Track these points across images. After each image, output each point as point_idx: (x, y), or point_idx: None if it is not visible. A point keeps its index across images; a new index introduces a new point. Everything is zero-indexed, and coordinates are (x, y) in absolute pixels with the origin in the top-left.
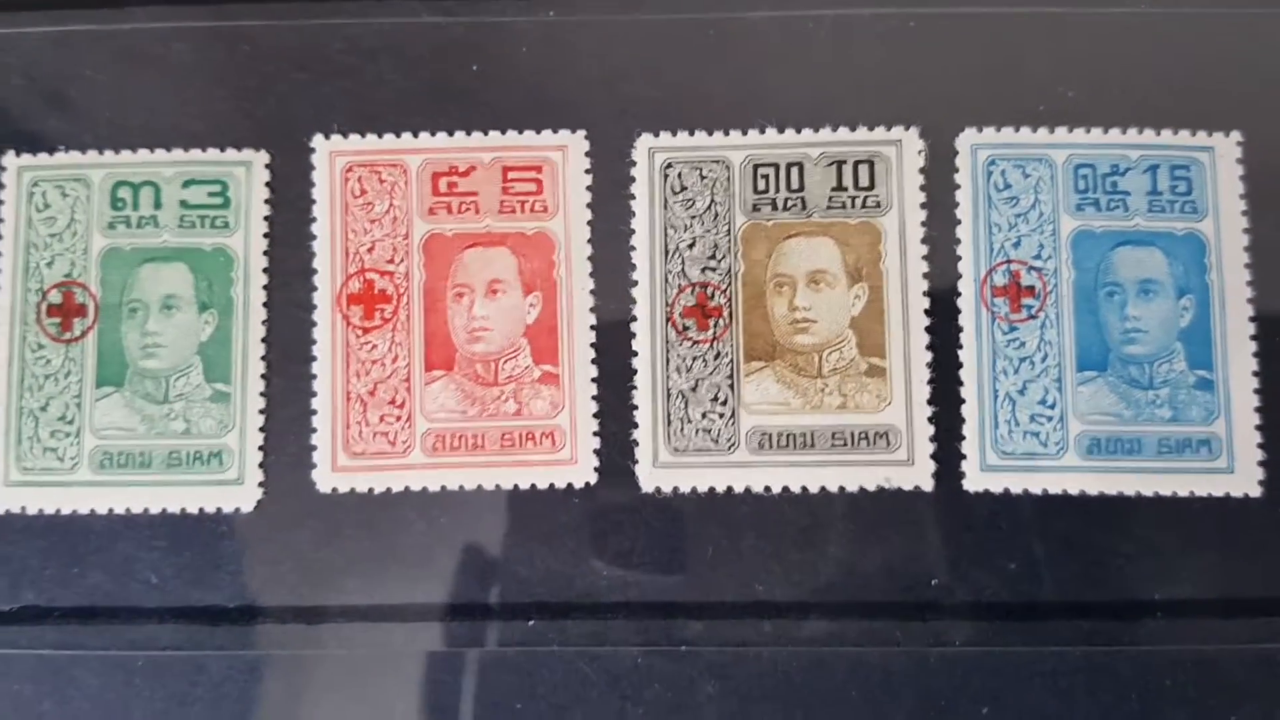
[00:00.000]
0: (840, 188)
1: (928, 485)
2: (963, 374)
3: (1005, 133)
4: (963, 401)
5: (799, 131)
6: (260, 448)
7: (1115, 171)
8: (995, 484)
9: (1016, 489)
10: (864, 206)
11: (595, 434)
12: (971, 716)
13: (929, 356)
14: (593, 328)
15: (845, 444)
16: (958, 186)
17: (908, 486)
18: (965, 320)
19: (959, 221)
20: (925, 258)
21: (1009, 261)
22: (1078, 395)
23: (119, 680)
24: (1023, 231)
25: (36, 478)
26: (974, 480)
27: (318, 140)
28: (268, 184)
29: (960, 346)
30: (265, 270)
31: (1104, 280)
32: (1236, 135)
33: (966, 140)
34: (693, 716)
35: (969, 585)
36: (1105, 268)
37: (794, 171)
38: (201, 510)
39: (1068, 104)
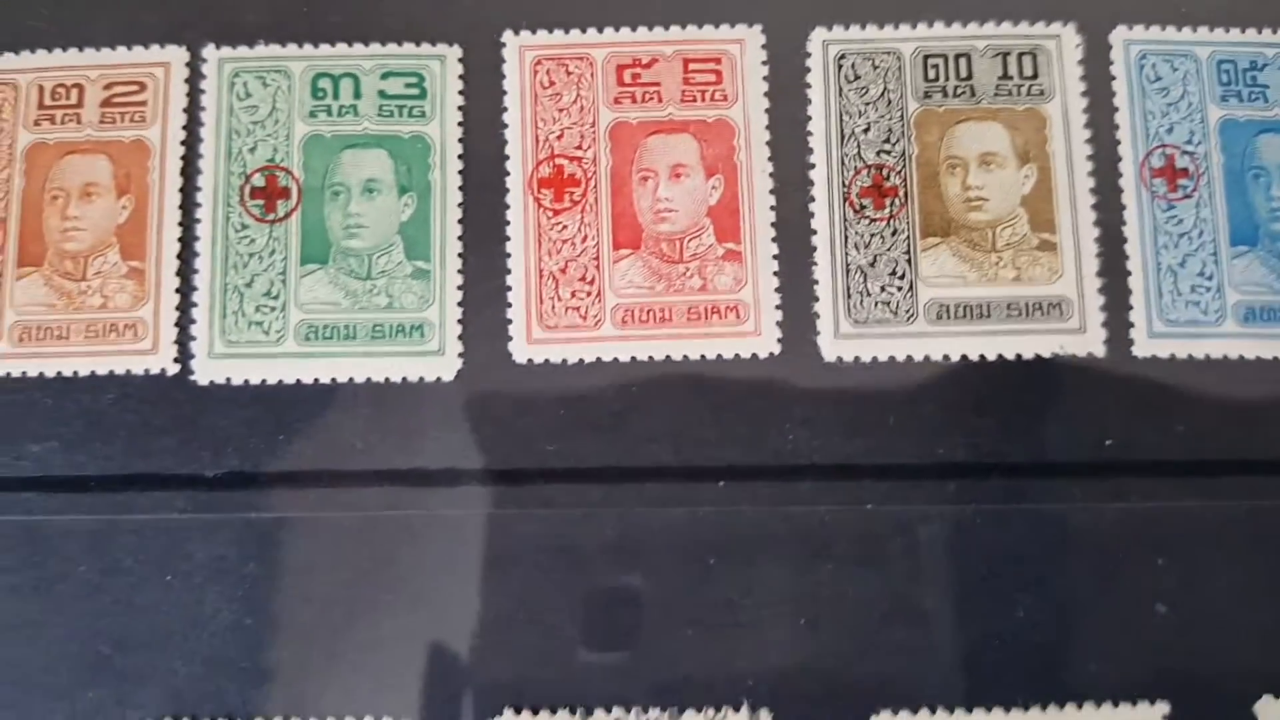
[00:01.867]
0: (1006, 76)
1: (1100, 352)
2: (1127, 249)
3: (1154, 30)
4: (1129, 274)
5: (965, 25)
6: (459, 321)
7: (1254, 67)
8: (1162, 350)
9: (1181, 354)
10: (1029, 94)
11: (777, 308)
12: (1148, 567)
13: (1096, 232)
14: (772, 208)
15: (1020, 314)
16: (1114, 78)
17: (1080, 354)
18: (1127, 200)
19: (1116, 109)
20: (1088, 141)
21: (1163, 146)
22: (1232, 268)
23: (327, 542)
24: (1174, 119)
25: (242, 350)
26: (1142, 347)
27: (508, 36)
28: (461, 77)
29: (1124, 224)
30: (460, 156)
31: (1249, 164)
32: None
33: (1120, 36)
34: (880, 571)
35: (1141, 445)
36: (1250, 153)
37: (962, 61)
38: (404, 379)
39: (1210, 4)
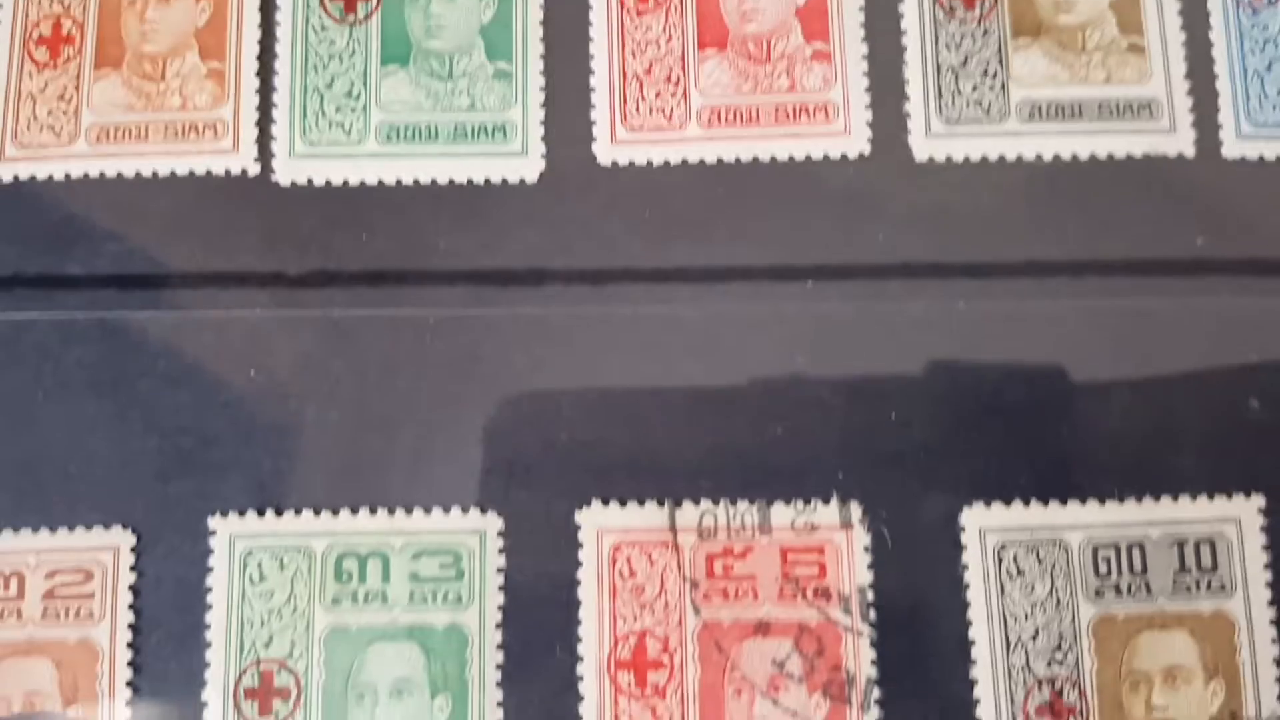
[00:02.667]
0: None
1: (1189, 152)
2: (1214, 53)
3: None
4: (1216, 77)
5: None
6: (542, 123)
7: None
8: (1250, 151)
9: (1270, 155)
10: None
11: (867, 107)
12: (1241, 363)
13: (1183, 36)
14: (861, 8)
15: (1111, 114)
16: None
17: (1171, 153)
18: (1213, 5)
19: None
20: None
21: None
22: None
23: (409, 339)
24: None
25: (323, 150)
26: (1231, 148)
27: None
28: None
29: (1210, 28)
30: None
31: None
32: None
33: None
34: (971, 367)
35: (1231, 244)
36: None
37: None
38: (487, 181)
39: None
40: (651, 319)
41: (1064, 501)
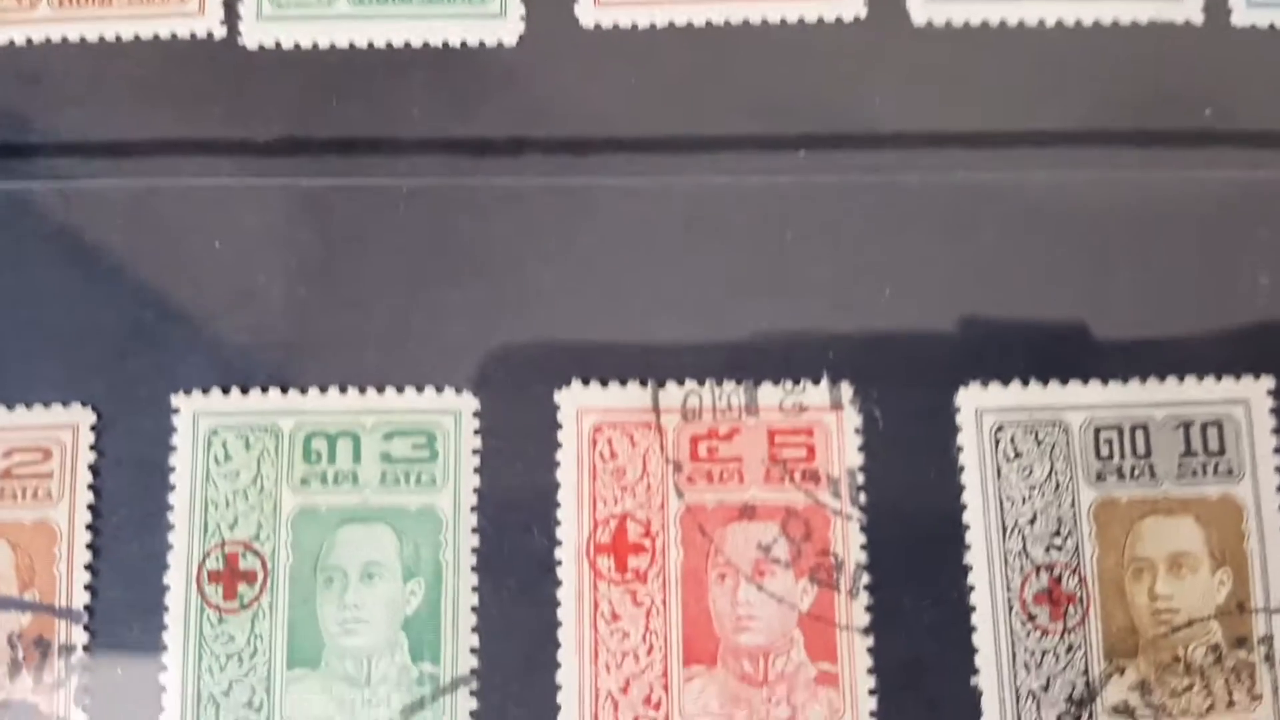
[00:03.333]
0: None
1: (1197, 20)
2: None
3: None
4: None
5: None
6: None
7: None
8: (1261, 19)
9: None
10: None
11: None
12: (1250, 238)
13: None
14: None
15: None
16: None
17: (1178, 20)
18: None
19: None
20: None
21: None
22: None
23: (381, 211)
24: None
25: (292, 12)
26: (1240, 15)
27: None
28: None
29: None
30: None
31: None
32: None
33: None
34: (969, 241)
35: (1240, 115)
36: None
37: None
38: (464, 44)
39: None
40: (636, 191)
41: (1064, 381)
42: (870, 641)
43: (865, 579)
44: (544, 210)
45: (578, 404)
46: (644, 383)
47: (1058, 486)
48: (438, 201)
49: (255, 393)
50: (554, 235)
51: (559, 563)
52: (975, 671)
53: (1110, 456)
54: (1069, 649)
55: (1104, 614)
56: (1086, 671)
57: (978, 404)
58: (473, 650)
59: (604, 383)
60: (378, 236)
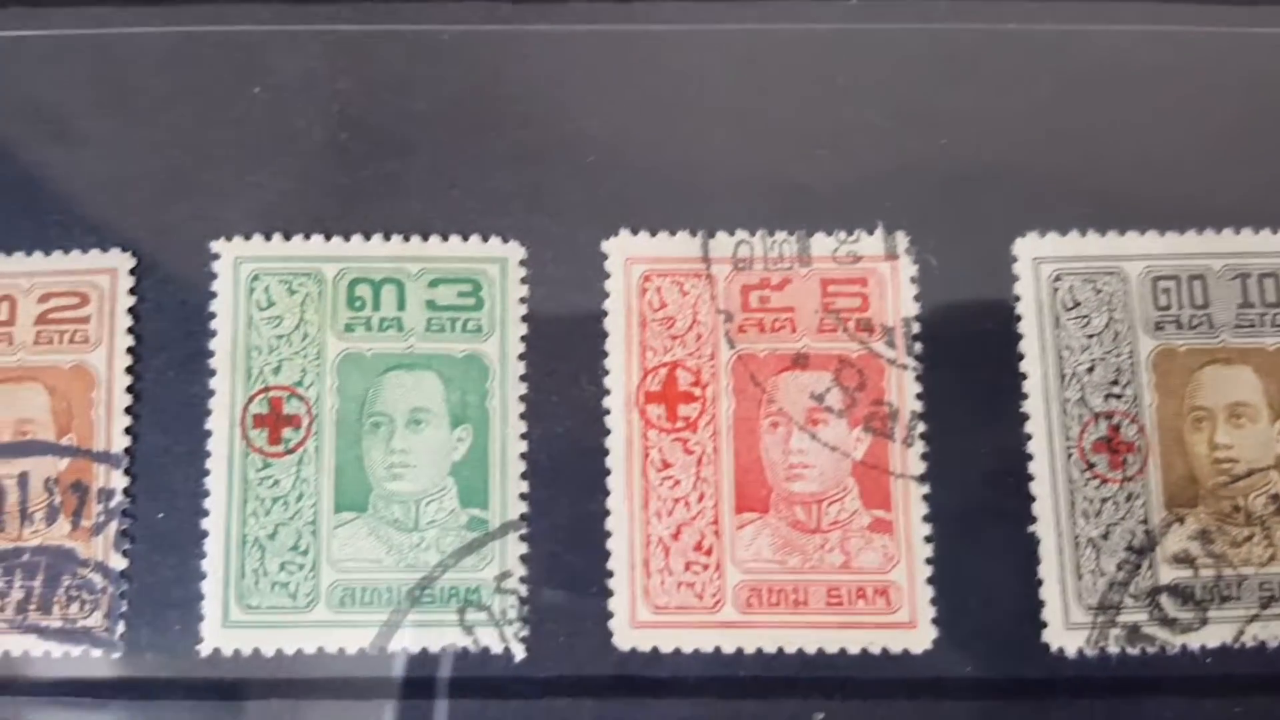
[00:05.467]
0: None
1: None
2: None
3: None
4: None
5: None
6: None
7: None
8: None
9: None
10: None
11: None
12: None
13: None
14: None
15: None
16: None
17: None
18: None
19: None
20: None
21: None
22: None
23: (423, 57)
24: None
25: None
26: None
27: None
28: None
29: None
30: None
31: None
32: None
33: None
34: (1027, 89)
35: None
36: None
37: None
38: None
39: None
40: (685, 37)
41: (1122, 232)
42: (925, 489)
43: (920, 428)
44: (590, 57)
45: (626, 253)
46: (694, 232)
47: (1116, 336)
48: (482, 47)
49: (298, 238)
50: (601, 82)
51: (608, 411)
52: (1033, 520)
53: (1168, 306)
54: (1128, 497)
55: (1163, 463)
56: (1146, 520)
57: (1036, 253)
58: (522, 496)
59: (653, 231)
60: (419, 83)
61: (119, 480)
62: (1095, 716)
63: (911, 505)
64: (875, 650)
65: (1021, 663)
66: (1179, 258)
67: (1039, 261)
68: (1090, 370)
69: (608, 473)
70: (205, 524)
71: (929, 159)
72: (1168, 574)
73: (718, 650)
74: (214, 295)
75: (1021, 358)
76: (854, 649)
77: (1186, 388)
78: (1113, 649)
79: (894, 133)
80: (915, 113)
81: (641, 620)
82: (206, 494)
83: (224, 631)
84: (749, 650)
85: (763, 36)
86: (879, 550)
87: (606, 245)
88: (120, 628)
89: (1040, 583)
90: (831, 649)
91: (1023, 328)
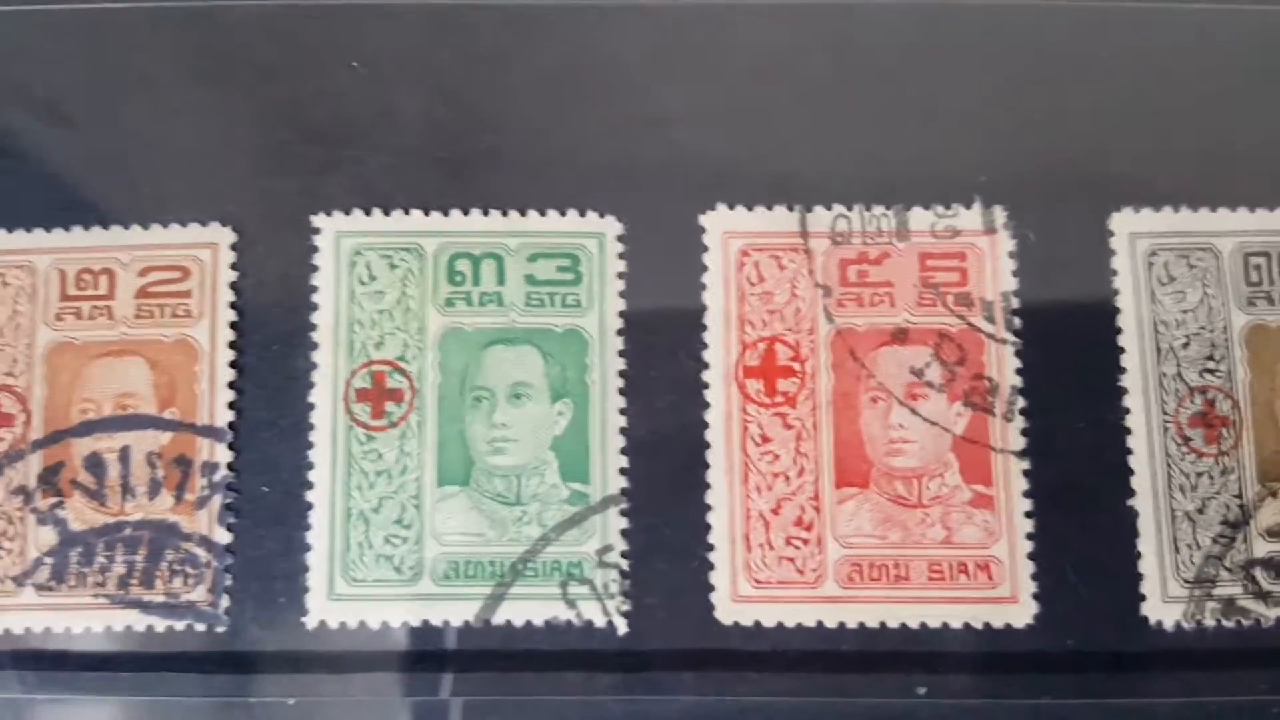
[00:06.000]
0: None
1: None
2: None
3: None
4: None
5: None
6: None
7: None
8: None
9: None
10: None
11: None
12: None
13: None
14: None
15: None
16: None
17: None
18: None
19: None
20: None
21: None
22: None
23: (521, 31)
24: None
25: None
26: None
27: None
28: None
29: None
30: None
31: None
32: None
33: None
34: (1123, 68)
35: None
36: None
37: None
38: None
39: None
40: (785, 9)
41: (1214, 208)
42: (1026, 465)
43: (1020, 403)
44: (688, 31)
45: (724, 227)
46: (791, 206)
47: (1210, 311)
48: (579, 21)
49: (397, 214)
50: (698, 56)
51: (707, 385)
52: (1131, 494)
53: (1259, 283)
54: (1223, 472)
55: (1256, 438)
56: (1240, 494)
57: (1132, 228)
58: (622, 470)
59: (750, 206)
60: (517, 57)
61: (223, 454)
62: (1192, 689)
63: (1012, 480)
64: (977, 625)
65: (1120, 636)
66: (1270, 234)
67: (1135, 237)
68: (1185, 345)
69: (707, 447)
70: (310, 497)
71: (1025, 134)
72: (1262, 548)
73: (820, 625)
74: (315, 270)
75: (1119, 332)
76: (956, 624)
77: (1279, 364)
78: (1209, 622)
79: (991, 107)
80: (1012, 88)
81: (743, 594)
82: (310, 467)
83: (329, 604)
84: (851, 625)
85: (861, 10)
86: (980, 525)
87: (704, 220)
88: (224, 602)
89: (1139, 556)
90: (933, 624)
91: (1120, 303)
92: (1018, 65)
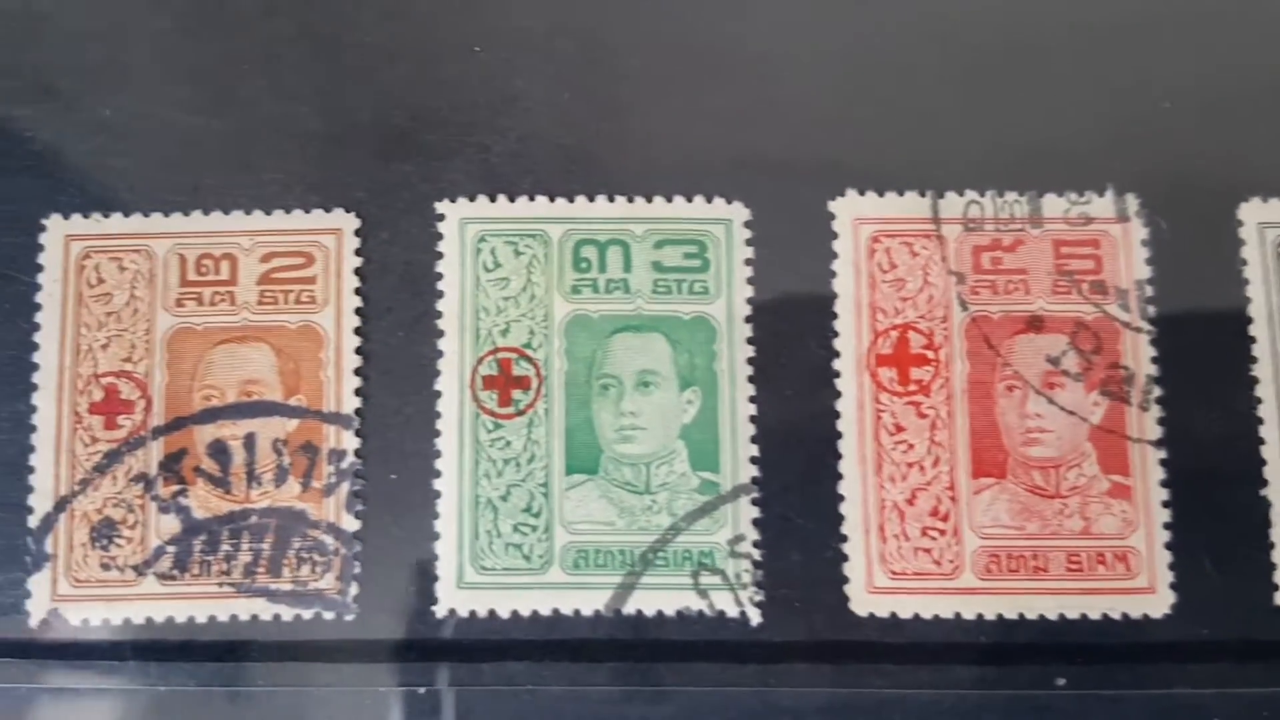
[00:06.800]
0: None
1: None
2: None
3: None
4: None
5: None
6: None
7: None
8: None
9: None
10: None
11: None
12: None
13: None
14: None
15: None
16: None
17: None
18: None
19: None
20: None
21: None
22: None
23: (643, 14)
24: None
25: None
26: None
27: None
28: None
29: None
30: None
31: None
32: None
33: None
34: (1257, 59)
35: None
36: None
37: None
38: None
39: None
40: None
41: None
42: (1162, 454)
43: (1156, 392)
44: (816, 14)
45: (854, 213)
46: (922, 192)
47: None
48: (704, 3)
49: (522, 200)
50: (826, 39)
51: (838, 374)
52: (1264, 484)
53: None
54: None
55: None
56: None
57: (1260, 218)
58: (752, 459)
59: (880, 191)
60: (640, 41)
61: (350, 441)
62: None
63: (1149, 470)
64: (1115, 615)
65: (1257, 625)
66: None
67: (1264, 226)
68: None
69: (839, 436)
70: (437, 485)
71: (1156, 121)
72: None
73: (957, 616)
74: (439, 256)
75: (1250, 321)
76: (1094, 615)
77: None
78: None
79: (1121, 93)
80: (1142, 76)
81: (878, 586)
82: (437, 455)
83: (458, 593)
84: (989, 616)
85: None
86: (1118, 515)
87: (833, 205)
88: (353, 590)
89: (1273, 546)
90: (1071, 615)
91: (1250, 291)
92: (1149, 53)
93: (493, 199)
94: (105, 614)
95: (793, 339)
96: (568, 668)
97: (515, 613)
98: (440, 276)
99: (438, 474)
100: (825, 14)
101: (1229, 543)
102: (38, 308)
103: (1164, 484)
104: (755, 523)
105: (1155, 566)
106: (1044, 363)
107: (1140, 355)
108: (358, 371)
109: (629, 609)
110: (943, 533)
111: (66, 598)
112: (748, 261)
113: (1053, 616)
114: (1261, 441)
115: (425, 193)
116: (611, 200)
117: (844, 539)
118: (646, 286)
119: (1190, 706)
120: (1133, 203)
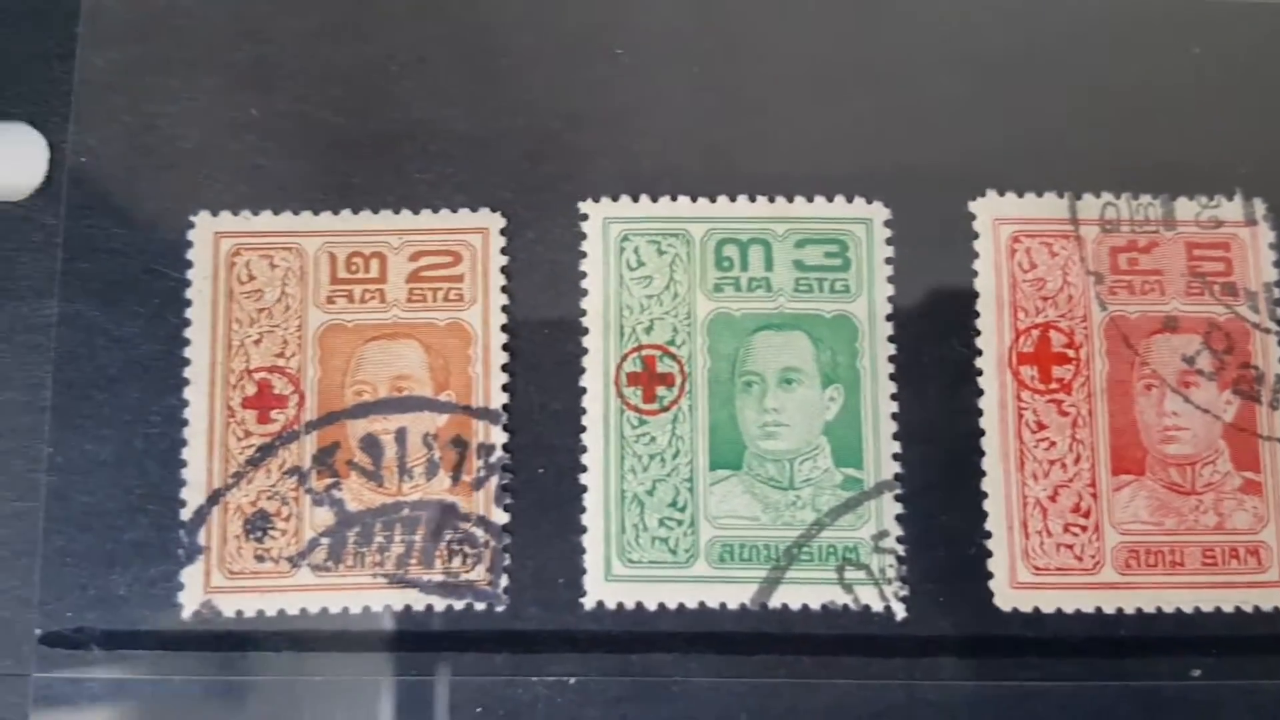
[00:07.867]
0: None
1: None
2: None
3: None
4: None
5: None
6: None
7: None
8: None
9: None
10: None
11: None
12: None
13: None
14: None
15: None
16: None
17: None
18: None
19: None
20: None
21: None
22: None
23: (787, 14)
24: None
25: None
26: None
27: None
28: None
29: None
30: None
31: None
32: None
33: None
34: None
35: None
36: None
37: None
38: None
39: None
40: (1043, 3)
41: None
42: None
43: None
44: (953, 18)
45: (994, 213)
46: (1061, 193)
47: None
48: (845, 6)
49: (664, 199)
50: (962, 43)
51: (980, 372)
52: None
53: None
54: None
55: None
56: None
57: None
58: (895, 456)
59: (1019, 192)
60: (782, 41)
61: (498, 436)
62: None
63: (1279, 467)
64: (1247, 608)
65: None
66: None
67: None
68: None
69: (981, 434)
70: (584, 479)
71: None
72: None
73: (1099, 610)
74: (584, 255)
75: None
76: (1227, 608)
77: None
78: None
79: (1246, 101)
80: (1268, 82)
81: (1022, 581)
82: (584, 450)
83: (606, 585)
84: (1129, 610)
85: (1129, 3)
86: (1250, 511)
87: (974, 206)
88: (503, 581)
89: None
90: (1206, 608)
91: None
92: (1269, 62)
93: (635, 199)
94: (260, 605)
95: (934, 337)
96: (714, 660)
97: (662, 605)
98: (584, 275)
99: (584, 469)
100: (967, 18)
101: None
102: (187, 303)
103: None
104: (898, 518)
105: None
106: (1179, 362)
107: (1269, 356)
108: (505, 368)
109: (774, 603)
110: (1084, 529)
111: (220, 589)
112: (888, 260)
113: (1188, 610)
114: None
115: (569, 192)
116: (753, 200)
117: (987, 535)
118: (788, 285)
119: None
120: (1260, 207)
